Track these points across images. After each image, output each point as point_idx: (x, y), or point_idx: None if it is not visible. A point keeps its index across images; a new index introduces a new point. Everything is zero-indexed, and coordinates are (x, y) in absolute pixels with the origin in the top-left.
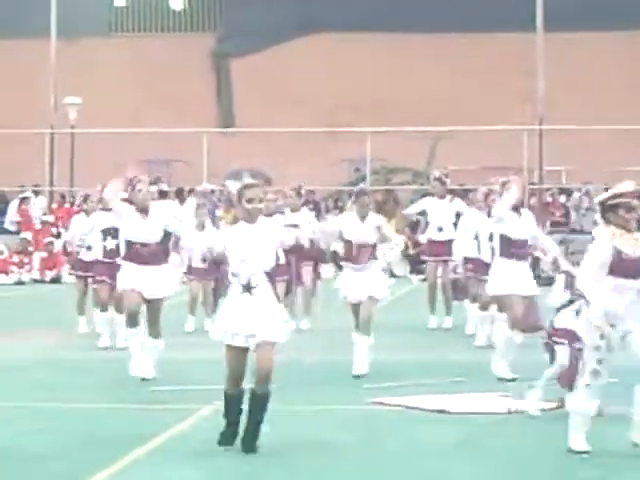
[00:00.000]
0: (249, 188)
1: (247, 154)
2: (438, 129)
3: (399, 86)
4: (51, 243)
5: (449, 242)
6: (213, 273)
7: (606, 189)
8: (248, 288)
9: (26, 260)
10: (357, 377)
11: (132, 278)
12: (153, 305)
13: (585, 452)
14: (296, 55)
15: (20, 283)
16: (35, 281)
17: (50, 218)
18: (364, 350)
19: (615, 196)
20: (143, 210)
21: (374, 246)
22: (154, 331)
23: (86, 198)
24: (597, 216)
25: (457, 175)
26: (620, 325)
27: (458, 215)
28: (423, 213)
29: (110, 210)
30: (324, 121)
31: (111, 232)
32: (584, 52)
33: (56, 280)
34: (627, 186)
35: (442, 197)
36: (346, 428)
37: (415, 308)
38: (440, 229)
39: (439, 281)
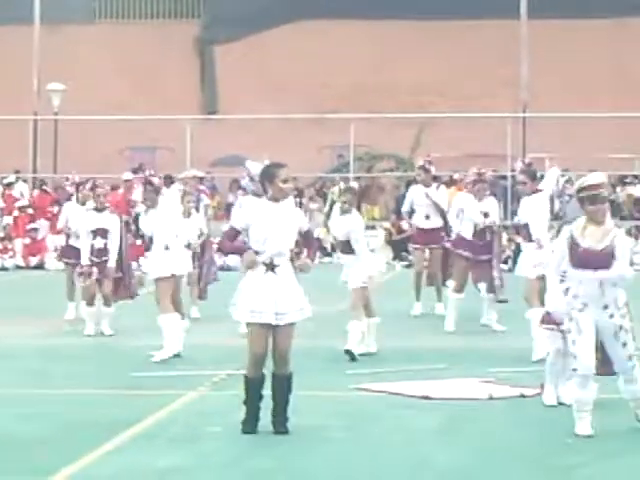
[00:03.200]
0: (282, 168)
1: (231, 141)
2: (422, 116)
3: (383, 73)
4: (34, 230)
5: (436, 230)
6: (198, 260)
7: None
8: (272, 267)
9: (10, 246)
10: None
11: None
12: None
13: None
14: (280, 42)
15: (3, 269)
16: (18, 267)
17: (24, 202)
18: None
19: (580, 189)
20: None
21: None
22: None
23: (78, 186)
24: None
25: (441, 162)
26: (589, 310)
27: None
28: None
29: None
30: (308, 108)
31: (100, 232)
32: (568, 39)
33: (40, 267)
34: (592, 178)
35: (427, 185)
36: (329, 414)
37: (398, 295)
38: (427, 217)
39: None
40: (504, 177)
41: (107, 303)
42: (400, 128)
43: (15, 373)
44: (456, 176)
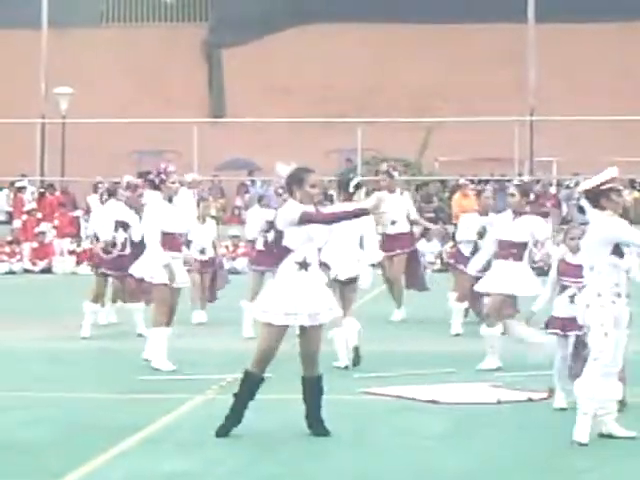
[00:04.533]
0: (311, 173)
1: (238, 144)
2: (429, 120)
3: (390, 76)
4: (42, 233)
5: (402, 235)
6: (211, 266)
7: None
8: (304, 265)
9: (17, 250)
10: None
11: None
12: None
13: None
14: (287, 46)
15: (11, 273)
16: (26, 271)
17: (32, 205)
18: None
19: (607, 181)
20: (170, 200)
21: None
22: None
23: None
24: (584, 203)
25: (448, 166)
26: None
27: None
28: None
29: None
30: (315, 112)
31: (123, 225)
32: (575, 43)
33: (47, 270)
34: (614, 171)
35: (392, 191)
36: (336, 418)
37: (406, 298)
38: (393, 223)
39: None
40: (511, 181)
41: (132, 299)
42: (407, 132)
43: (21, 376)
44: (462, 181)
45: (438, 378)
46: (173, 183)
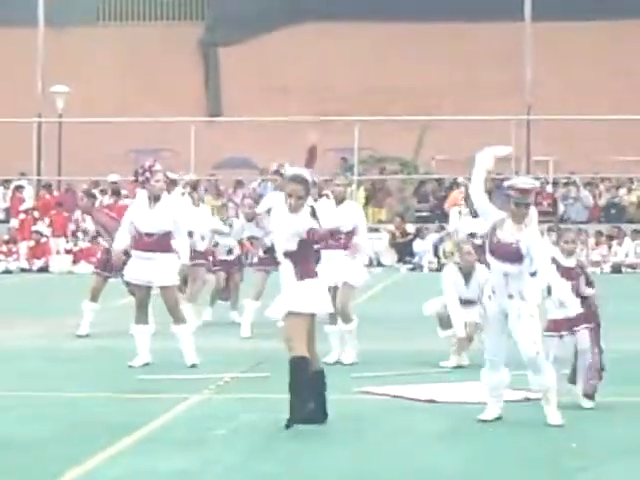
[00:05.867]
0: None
1: (235, 143)
2: (425, 118)
3: (387, 75)
4: (39, 232)
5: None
6: (236, 265)
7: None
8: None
9: (14, 249)
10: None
11: (138, 268)
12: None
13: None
14: (284, 44)
15: (7, 272)
16: (22, 270)
17: (29, 204)
18: (340, 336)
19: (509, 187)
20: (156, 199)
21: (348, 234)
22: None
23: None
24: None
25: (445, 165)
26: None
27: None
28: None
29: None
30: (312, 110)
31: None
32: (572, 42)
33: (44, 269)
34: (523, 183)
35: (340, 201)
36: (334, 417)
37: (403, 297)
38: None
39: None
40: (508, 179)
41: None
42: (404, 131)
43: (18, 375)
44: (460, 179)
45: (436, 377)
46: (157, 181)
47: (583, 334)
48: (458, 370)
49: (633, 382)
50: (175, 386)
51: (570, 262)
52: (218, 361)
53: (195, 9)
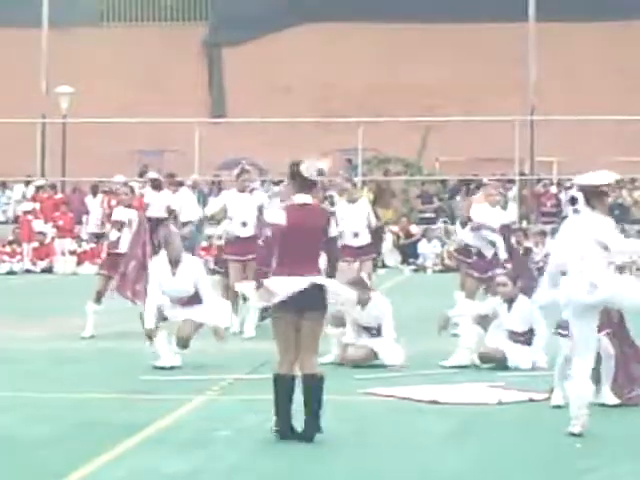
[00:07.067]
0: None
1: (239, 144)
2: (429, 119)
3: (390, 76)
4: (42, 233)
5: (252, 239)
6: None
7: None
8: None
9: (18, 250)
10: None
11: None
12: None
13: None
14: (288, 45)
15: (12, 273)
16: (27, 271)
17: (29, 206)
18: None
19: (604, 185)
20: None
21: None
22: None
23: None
24: (578, 195)
25: (449, 166)
26: None
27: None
28: (224, 209)
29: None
30: (316, 111)
31: (121, 225)
32: (576, 43)
33: (48, 270)
34: (612, 177)
35: (242, 190)
36: (338, 419)
37: (406, 298)
38: (244, 224)
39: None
40: (512, 181)
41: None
42: (408, 131)
43: (22, 376)
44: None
45: (439, 378)
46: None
47: (603, 340)
48: (462, 371)
49: None
50: (179, 387)
51: None
52: (222, 362)
53: (199, 10)
